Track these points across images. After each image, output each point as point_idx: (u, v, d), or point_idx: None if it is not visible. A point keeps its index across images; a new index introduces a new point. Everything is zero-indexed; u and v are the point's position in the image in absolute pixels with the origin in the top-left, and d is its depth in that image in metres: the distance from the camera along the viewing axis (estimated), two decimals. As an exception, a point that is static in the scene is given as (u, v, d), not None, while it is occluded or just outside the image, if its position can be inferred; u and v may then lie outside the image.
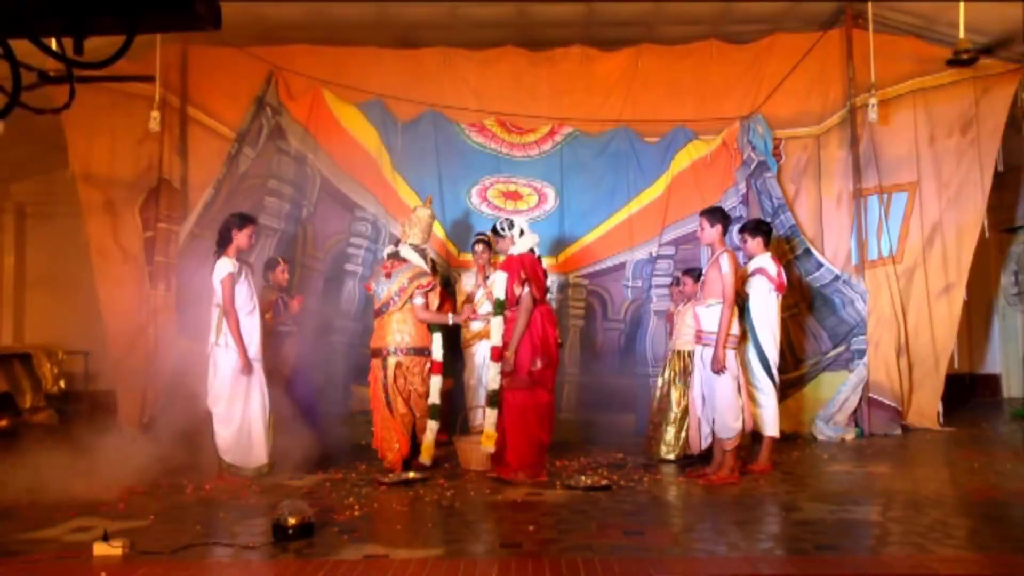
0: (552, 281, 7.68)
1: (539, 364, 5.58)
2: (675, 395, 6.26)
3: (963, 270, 7.66)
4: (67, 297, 8.94)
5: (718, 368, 5.43)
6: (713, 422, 5.61)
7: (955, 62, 6.56)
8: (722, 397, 5.50)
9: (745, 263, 6.23)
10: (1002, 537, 3.99)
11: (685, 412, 6.08)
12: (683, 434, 6.14)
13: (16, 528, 4.37)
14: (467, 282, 7.27)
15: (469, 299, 6.82)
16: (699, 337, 5.71)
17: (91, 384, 9.71)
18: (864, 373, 7.41)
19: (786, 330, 7.27)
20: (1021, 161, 8.48)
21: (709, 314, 5.59)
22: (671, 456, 6.21)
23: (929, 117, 7.70)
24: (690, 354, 6.04)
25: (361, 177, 7.79)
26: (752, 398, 5.80)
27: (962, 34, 6.31)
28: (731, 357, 5.52)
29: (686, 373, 6.14)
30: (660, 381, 6.50)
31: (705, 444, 5.77)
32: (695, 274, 6.28)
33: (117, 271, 7.58)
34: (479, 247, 6.85)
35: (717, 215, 5.79)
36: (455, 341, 6.80)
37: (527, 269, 5.70)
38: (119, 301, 7.53)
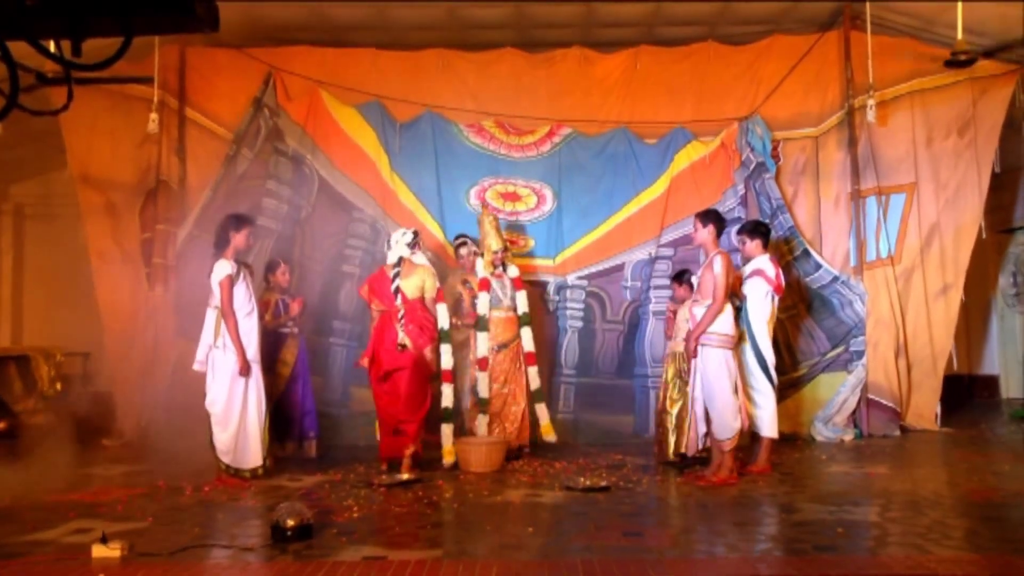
0: (550, 282, 7.72)
1: (365, 363, 6.17)
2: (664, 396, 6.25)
3: (961, 271, 7.66)
4: (66, 298, 8.91)
5: (691, 356, 5.53)
6: (709, 423, 5.62)
7: (953, 63, 6.56)
8: (720, 398, 5.49)
9: (739, 265, 6.22)
10: (1001, 538, 4.00)
11: (681, 413, 6.06)
12: (675, 436, 6.09)
13: (15, 530, 4.35)
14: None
15: (457, 301, 6.83)
16: (695, 338, 5.70)
17: (90, 385, 9.69)
18: (863, 374, 7.40)
19: (784, 331, 7.29)
20: (1019, 162, 8.48)
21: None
22: (670, 457, 6.19)
23: (927, 118, 7.71)
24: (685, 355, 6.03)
25: (359, 178, 7.77)
26: (751, 399, 5.80)
27: (960, 35, 6.30)
28: (729, 358, 5.53)
29: (681, 375, 6.12)
30: (661, 383, 6.49)
31: (700, 445, 5.77)
32: (683, 277, 6.33)
33: (116, 273, 7.57)
34: (463, 249, 6.87)
35: (710, 216, 5.82)
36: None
37: (368, 283, 6.33)
38: (118, 303, 7.52)
